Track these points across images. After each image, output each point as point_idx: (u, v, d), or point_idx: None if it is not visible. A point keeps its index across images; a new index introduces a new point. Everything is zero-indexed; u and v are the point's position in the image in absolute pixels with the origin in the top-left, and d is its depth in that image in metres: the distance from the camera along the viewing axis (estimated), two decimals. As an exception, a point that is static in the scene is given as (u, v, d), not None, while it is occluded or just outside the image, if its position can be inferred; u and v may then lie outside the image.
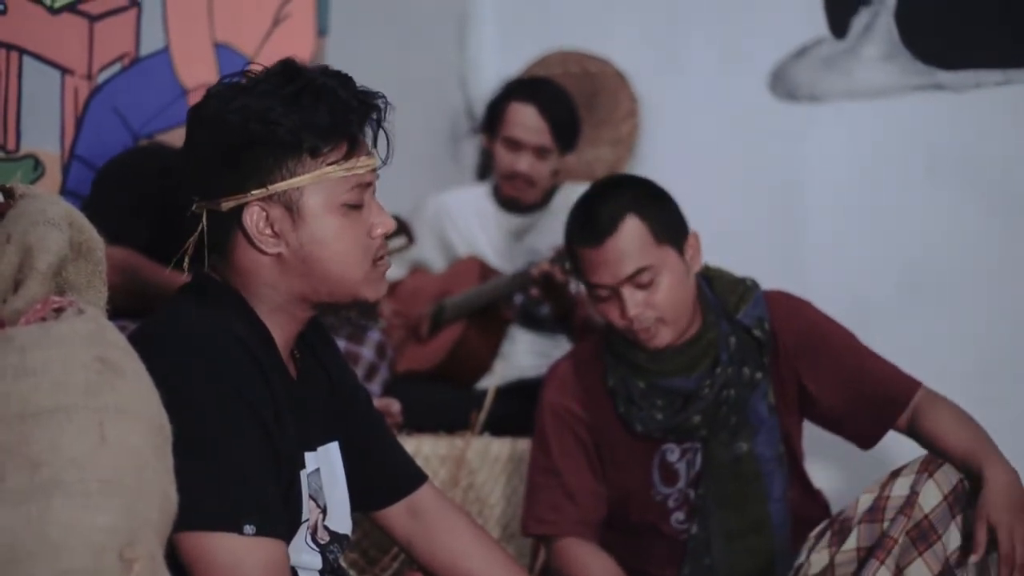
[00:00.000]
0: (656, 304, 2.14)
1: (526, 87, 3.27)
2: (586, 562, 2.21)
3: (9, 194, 1.48)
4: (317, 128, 1.55)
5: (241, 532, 1.44)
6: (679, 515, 2.27)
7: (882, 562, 1.99)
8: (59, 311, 1.34)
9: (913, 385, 2.19)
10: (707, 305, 2.24)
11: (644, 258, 2.14)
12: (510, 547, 2.66)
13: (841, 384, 2.21)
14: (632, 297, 2.14)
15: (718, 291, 2.26)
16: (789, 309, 2.27)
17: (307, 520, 1.63)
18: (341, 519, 1.73)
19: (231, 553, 1.44)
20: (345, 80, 1.60)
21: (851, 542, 2.05)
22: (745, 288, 2.26)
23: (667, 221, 2.19)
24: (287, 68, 1.59)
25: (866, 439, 2.24)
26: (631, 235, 2.14)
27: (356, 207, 1.60)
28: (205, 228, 1.59)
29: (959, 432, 2.08)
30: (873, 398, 2.19)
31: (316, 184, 1.57)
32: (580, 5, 3.79)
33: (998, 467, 1.99)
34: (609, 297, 2.17)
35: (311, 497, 1.65)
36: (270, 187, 1.56)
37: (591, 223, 2.16)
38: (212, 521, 1.44)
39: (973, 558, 1.95)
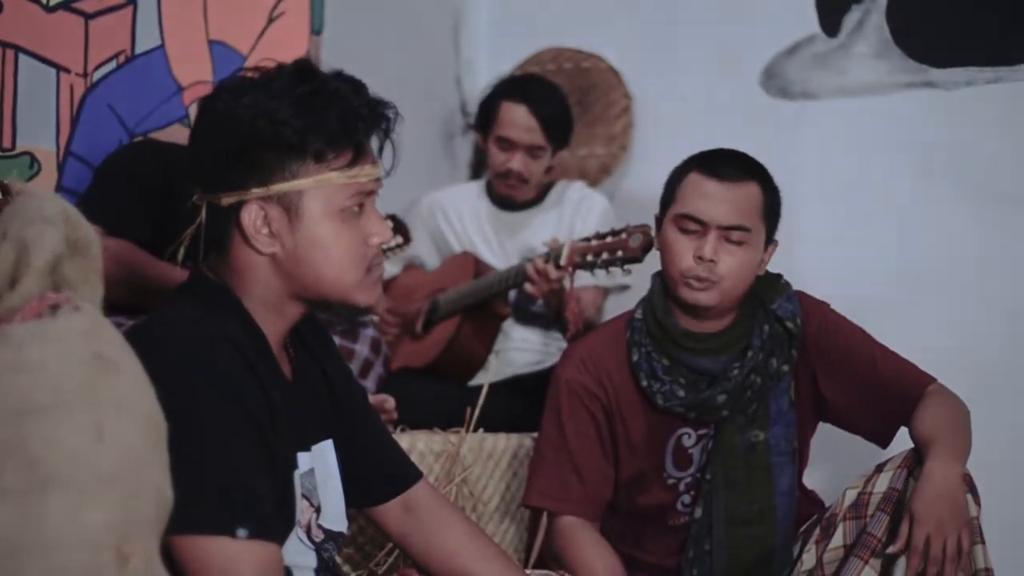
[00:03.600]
0: (728, 265, 2.18)
1: (517, 86, 3.27)
2: (587, 553, 2.21)
3: (5, 191, 1.48)
4: (324, 132, 1.55)
5: (234, 535, 1.44)
6: (685, 498, 2.28)
7: (866, 561, 2.00)
8: (55, 308, 1.34)
9: (926, 381, 2.21)
10: (746, 296, 2.26)
11: (748, 220, 2.19)
12: (504, 542, 2.66)
13: (856, 384, 2.24)
14: (715, 243, 2.18)
15: (755, 283, 2.28)
16: (810, 309, 2.30)
17: (299, 520, 1.64)
18: (336, 517, 1.74)
19: (225, 556, 1.44)
20: (358, 87, 1.59)
21: (837, 539, 2.07)
22: (780, 283, 2.30)
23: (774, 214, 2.26)
24: (301, 69, 1.59)
25: (882, 437, 2.26)
26: (752, 194, 2.21)
27: (355, 214, 1.60)
28: (203, 221, 1.60)
29: (929, 422, 2.09)
30: (887, 396, 2.21)
31: (317, 188, 1.57)
32: (574, 3, 3.79)
33: (941, 462, 1.99)
34: (691, 232, 2.20)
35: (304, 497, 1.65)
36: (271, 187, 1.56)
37: (725, 163, 2.22)
38: (205, 524, 1.44)
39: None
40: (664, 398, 2.24)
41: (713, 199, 2.19)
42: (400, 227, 3.17)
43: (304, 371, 1.72)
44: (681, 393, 2.23)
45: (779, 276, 2.32)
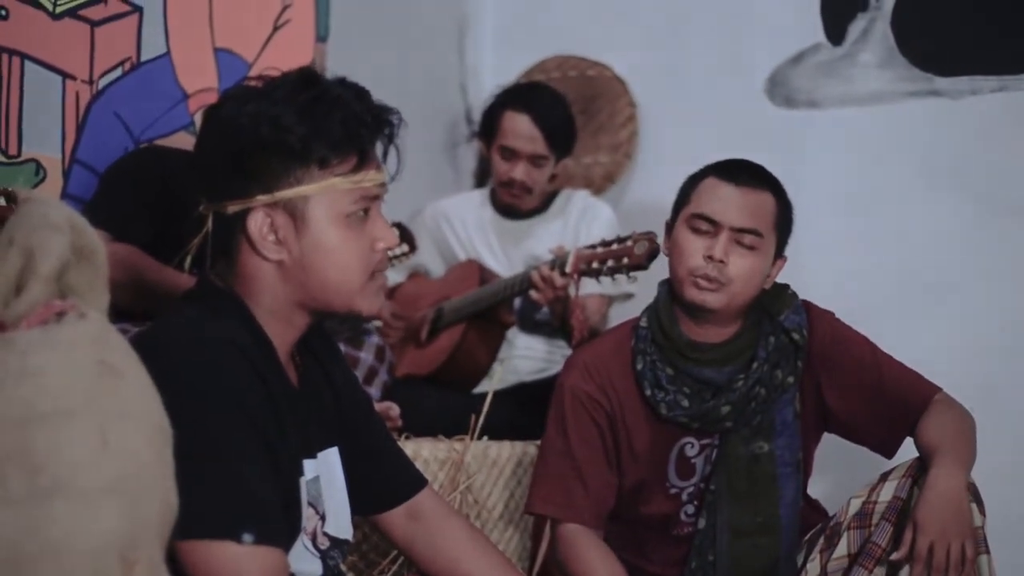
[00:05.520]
0: (737, 267, 2.18)
1: (520, 95, 3.27)
2: (590, 560, 2.21)
3: (11, 198, 1.49)
4: (328, 138, 1.56)
5: (240, 541, 1.44)
6: (689, 508, 2.28)
7: (870, 571, 2.00)
8: (61, 315, 1.34)
9: (931, 390, 2.21)
10: (752, 307, 2.26)
11: (761, 225, 2.20)
12: (508, 550, 2.66)
13: (861, 394, 2.24)
14: (726, 244, 2.18)
15: (762, 294, 2.28)
16: (816, 319, 2.30)
17: (305, 527, 1.64)
18: (341, 525, 1.74)
19: (230, 561, 1.44)
20: (361, 93, 1.60)
21: (841, 548, 2.07)
22: (787, 294, 2.30)
23: (786, 226, 2.28)
24: (305, 76, 1.60)
25: (887, 447, 2.26)
26: (766, 202, 2.22)
27: (360, 220, 1.61)
28: (210, 230, 1.60)
29: (934, 431, 2.10)
30: (892, 406, 2.21)
31: (322, 194, 1.58)
32: (580, 11, 3.79)
33: (945, 470, 1.99)
34: (703, 232, 2.21)
35: (310, 504, 1.65)
36: (276, 194, 1.57)
37: (743, 171, 2.24)
38: (211, 529, 1.44)
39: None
40: (668, 407, 2.24)
41: (728, 201, 2.20)
42: (406, 235, 3.18)
43: (310, 378, 1.73)
44: (685, 403, 2.23)
45: (786, 287, 2.32)
